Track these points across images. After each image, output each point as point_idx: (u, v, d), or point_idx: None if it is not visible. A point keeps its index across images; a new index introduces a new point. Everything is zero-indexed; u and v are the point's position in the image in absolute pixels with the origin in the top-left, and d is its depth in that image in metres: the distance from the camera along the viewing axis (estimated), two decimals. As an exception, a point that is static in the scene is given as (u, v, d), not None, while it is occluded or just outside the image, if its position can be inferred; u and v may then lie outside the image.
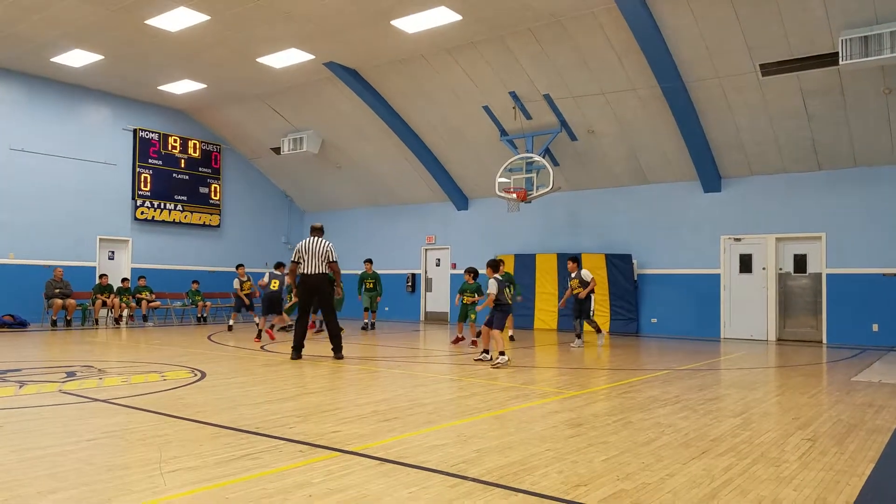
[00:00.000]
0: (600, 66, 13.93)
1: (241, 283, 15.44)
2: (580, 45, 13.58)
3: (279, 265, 14.05)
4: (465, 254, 19.26)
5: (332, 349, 9.87)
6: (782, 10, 11.62)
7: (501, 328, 9.43)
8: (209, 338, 13.51)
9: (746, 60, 12.71)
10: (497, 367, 9.01)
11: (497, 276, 9.63)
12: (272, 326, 13.49)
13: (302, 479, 3.75)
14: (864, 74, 12.11)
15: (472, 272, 11.93)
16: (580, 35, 13.33)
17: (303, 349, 9.88)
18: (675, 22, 12.40)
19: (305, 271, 9.77)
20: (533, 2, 12.37)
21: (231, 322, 15.51)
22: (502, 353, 9.16)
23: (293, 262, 10.03)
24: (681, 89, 13.47)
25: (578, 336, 12.42)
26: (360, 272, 16.52)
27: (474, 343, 11.94)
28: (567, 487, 3.68)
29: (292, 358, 9.69)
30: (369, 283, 16.18)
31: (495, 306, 9.48)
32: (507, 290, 9.55)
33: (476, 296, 12.11)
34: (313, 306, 10.55)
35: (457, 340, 12.63)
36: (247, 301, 15.56)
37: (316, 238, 9.88)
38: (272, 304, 13.08)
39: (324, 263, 9.73)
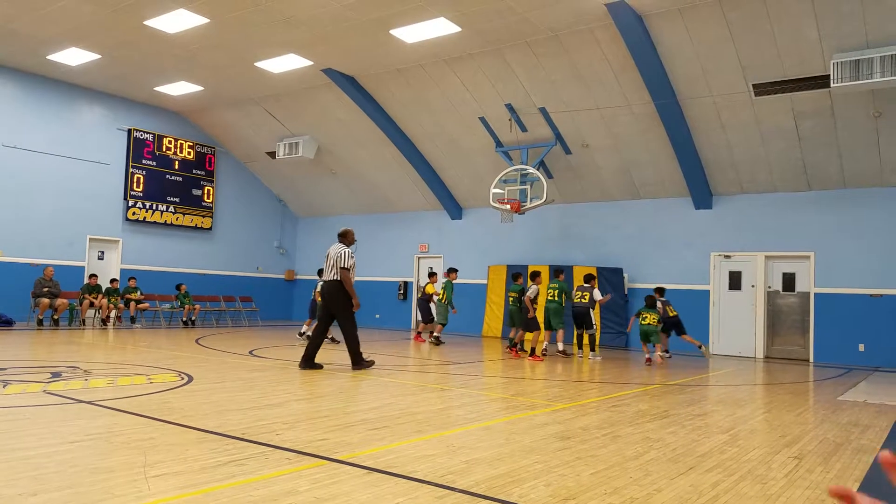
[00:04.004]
0: (596, 82, 14.01)
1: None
2: (576, 60, 13.66)
3: (432, 274, 15.41)
4: (457, 263, 19.20)
5: (351, 361, 9.57)
6: (776, 32, 11.75)
7: None
8: (197, 341, 13.44)
9: (740, 80, 12.82)
10: None
11: None
12: (419, 333, 15.39)
13: (288, 486, 3.73)
14: (855, 97, 12.24)
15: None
16: (577, 50, 13.41)
17: (313, 360, 9.37)
18: (670, 40, 12.50)
19: (323, 278, 9.71)
20: (531, 16, 12.44)
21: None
22: None
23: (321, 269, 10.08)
24: (674, 106, 13.56)
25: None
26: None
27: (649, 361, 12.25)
28: (555, 500, 3.67)
29: (300, 367, 9.30)
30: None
31: None
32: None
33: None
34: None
35: (649, 361, 12.35)
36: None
37: (336, 244, 9.73)
38: (425, 312, 15.05)
39: (336, 270, 9.43)
